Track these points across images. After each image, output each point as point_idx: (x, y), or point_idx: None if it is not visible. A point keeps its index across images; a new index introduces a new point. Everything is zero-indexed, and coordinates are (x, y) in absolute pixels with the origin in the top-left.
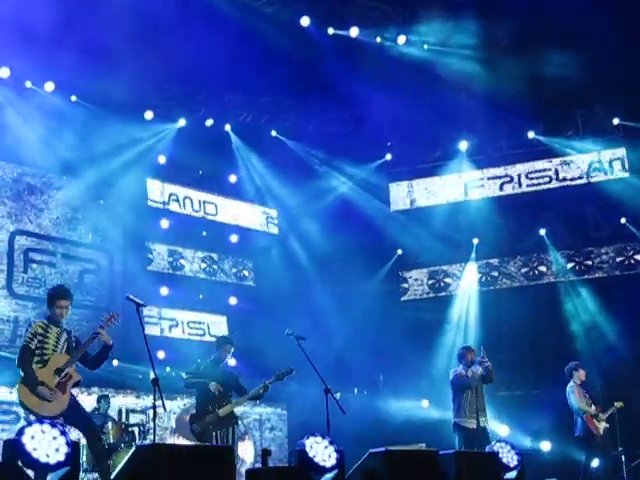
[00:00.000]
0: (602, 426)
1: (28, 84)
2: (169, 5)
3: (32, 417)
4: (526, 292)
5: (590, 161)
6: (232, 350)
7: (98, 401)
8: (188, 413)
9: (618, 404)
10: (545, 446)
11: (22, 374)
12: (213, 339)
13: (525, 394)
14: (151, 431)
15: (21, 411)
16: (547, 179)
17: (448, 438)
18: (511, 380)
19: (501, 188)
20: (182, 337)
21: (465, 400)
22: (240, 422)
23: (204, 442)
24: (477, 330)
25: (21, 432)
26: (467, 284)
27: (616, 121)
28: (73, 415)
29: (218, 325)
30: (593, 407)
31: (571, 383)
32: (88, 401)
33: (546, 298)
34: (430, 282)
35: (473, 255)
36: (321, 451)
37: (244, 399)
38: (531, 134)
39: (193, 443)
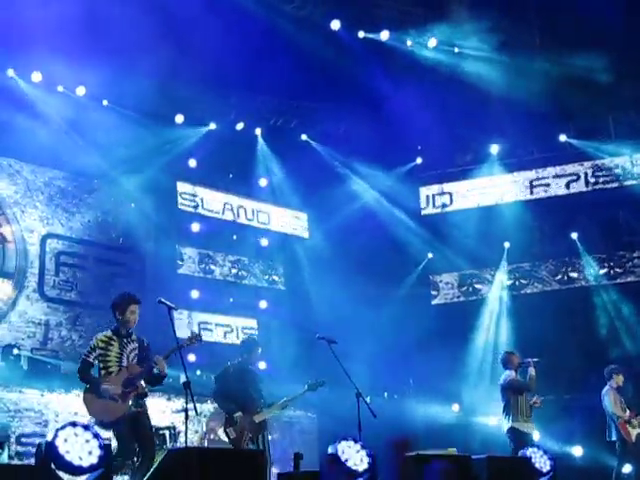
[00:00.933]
0: (635, 432)
1: (60, 88)
2: (200, 7)
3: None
4: (557, 296)
5: (622, 164)
6: (260, 352)
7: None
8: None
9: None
10: (577, 451)
11: (86, 385)
12: None
13: (557, 399)
14: (182, 434)
15: (52, 416)
16: (581, 182)
17: (478, 442)
18: (542, 385)
19: (532, 192)
20: (213, 340)
21: (522, 404)
22: None
23: (238, 446)
24: (508, 334)
25: (55, 435)
26: (497, 288)
27: None
28: (135, 427)
29: (248, 328)
30: (627, 412)
31: (607, 386)
32: None
33: (578, 302)
34: (461, 286)
35: (504, 259)
36: (353, 455)
37: (277, 407)
38: (563, 137)
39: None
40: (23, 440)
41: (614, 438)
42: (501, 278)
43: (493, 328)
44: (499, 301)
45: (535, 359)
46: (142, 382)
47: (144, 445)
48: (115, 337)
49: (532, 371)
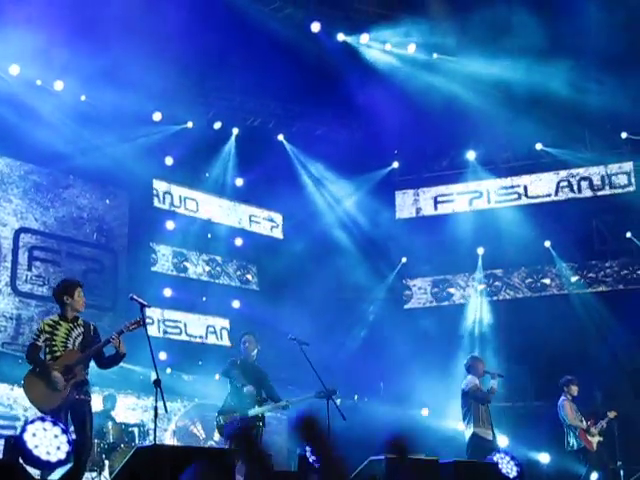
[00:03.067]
0: (595, 440)
1: (38, 82)
2: (182, 5)
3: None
4: (528, 303)
5: (597, 174)
6: (258, 348)
7: (104, 400)
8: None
9: (612, 414)
10: (544, 458)
11: (32, 366)
12: (215, 342)
13: (525, 405)
14: (151, 432)
15: (20, 411)
16: (551, 191)
17: (447, 447)
18: (511, 391)
19: (507, 199)
20: (184, 339)
21: (482, 411)
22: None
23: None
24: (475, 340)
25: (23, 429)
26: (472, 294)
27: (624, 135)
28: (73, 414)
29: (221, 328)
30: (584, 422)
31: (563, 397)
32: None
33: (549, 310)
34: (434, 291)
35: (479, 265)
36: None
37: (277, 406)
38: (539, 146)
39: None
40: None
41: (575, 448)
42: (476, 284)
43: (470, 334)
44: (474, 307)
45: (499, 373)
46: (82, 368)
47: (77, 434)
48: (62, 321)
49: (494, 384)
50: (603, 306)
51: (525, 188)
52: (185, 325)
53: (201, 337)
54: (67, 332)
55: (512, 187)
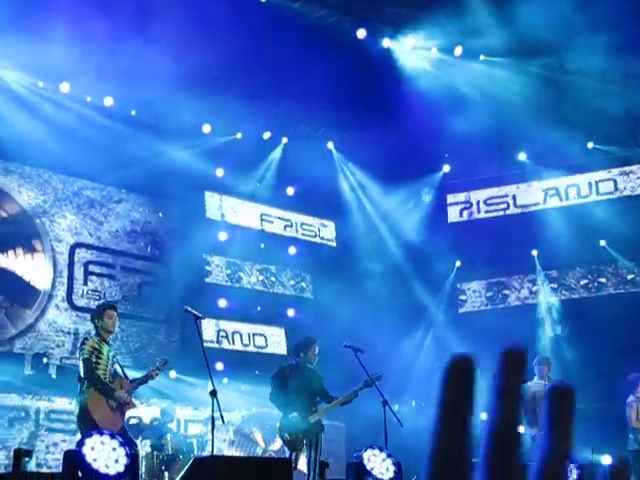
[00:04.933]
0: None
1: (88, 99)
2: (227, 11)
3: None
4: (584, 303)
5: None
6: (317, 351)
7: (162, 412)
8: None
9: None
10: (606, 460)
11: (90, 386)
12: (272, 351)
13: (585, 407)
14: (209, 443)
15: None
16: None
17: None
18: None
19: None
20: (240, 349)
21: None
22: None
23: (295, 451)
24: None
25: (81, 443)
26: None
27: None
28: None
29: (276, 337)
30: None
31: (632, 396)
32: (148, 413)
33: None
34: (488, 294)
35: (538, 266)
36: (379, 464)
37: (334, 405)
38: (590, 144)
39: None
40: (51, 448)
41: (634, 448)
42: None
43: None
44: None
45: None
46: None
47: None
48: (102, 343)
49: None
50: None
51: (570, 188)
52: (240, 335)
53: (257, 346)
54: (107, 355)
55: (561, 187)
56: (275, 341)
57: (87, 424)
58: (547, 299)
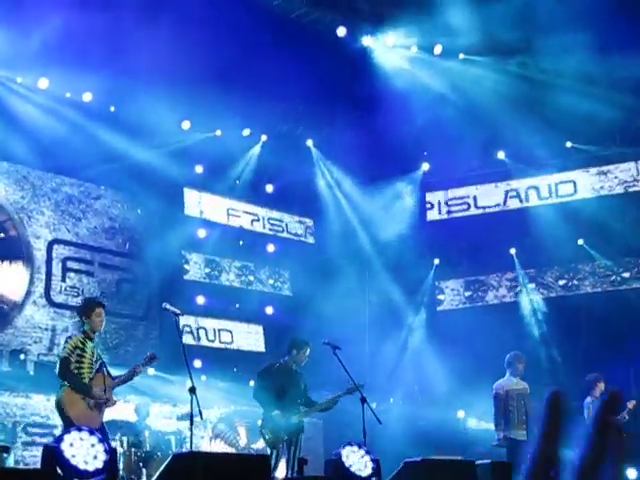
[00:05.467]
0: None
1: (67, 94)
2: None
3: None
4: (561, 302)
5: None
6: (308, 353)
7: (136, 409)
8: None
9: (631, 404)
10: (631, 474)
11: (67, 384)
12: (250, 348)
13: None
14: (187, 439)
15: (58, 421)
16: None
17: (484, 450)
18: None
19: (539, 198)
20: (219, 346)
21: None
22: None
23: (276, 449)
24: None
25: (60, 439)
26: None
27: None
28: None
29: (255, 334)
30: None
31: (589, 398)
32: (126, 409)
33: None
34: (467, 293)
35: (517, 264)
36: (357, 460)
37: (314, 410)
38: (569, 144)
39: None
40: (29, 445)
41: None
42: (522, 284)
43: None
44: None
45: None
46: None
47: None
48: (87, 340)
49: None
50: None
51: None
52: (219, 332)
53: (235, 344)
54: (92, 352)
55: (542, 186)
56: (253, 338)
57: (63, 421)
58: (530, 297)
